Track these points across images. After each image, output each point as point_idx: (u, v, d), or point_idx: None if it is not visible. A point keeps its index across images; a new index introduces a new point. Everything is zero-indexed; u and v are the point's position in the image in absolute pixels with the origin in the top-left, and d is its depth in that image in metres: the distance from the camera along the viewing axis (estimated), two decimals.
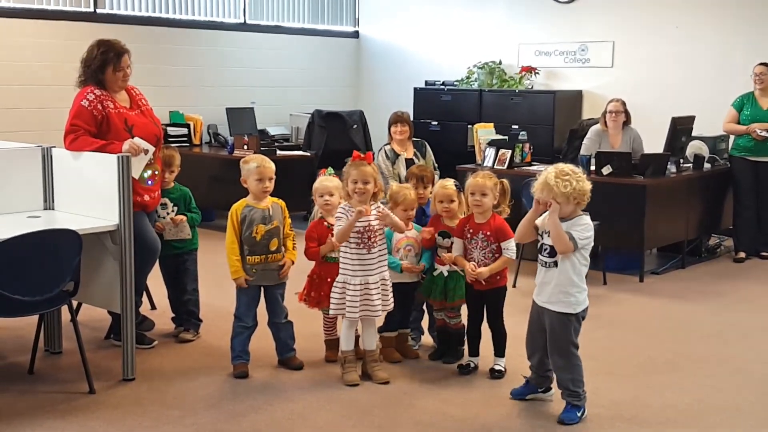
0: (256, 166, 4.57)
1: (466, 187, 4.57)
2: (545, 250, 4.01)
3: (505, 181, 4.61)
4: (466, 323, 4.76)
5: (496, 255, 4.48)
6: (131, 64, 4.86)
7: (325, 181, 4.75)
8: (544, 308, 4.03)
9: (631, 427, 4.00)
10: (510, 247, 4.47)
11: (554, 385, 4.22)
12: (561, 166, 3.98)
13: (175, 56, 9.43)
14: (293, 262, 4.66)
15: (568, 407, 4.03)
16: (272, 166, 4.63)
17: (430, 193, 4.93)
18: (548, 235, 3.97)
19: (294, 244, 4.70)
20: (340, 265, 4.46)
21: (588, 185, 3.95)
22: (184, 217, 5.18)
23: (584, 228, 3.95)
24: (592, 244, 4.01)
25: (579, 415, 4.02)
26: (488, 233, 4.47)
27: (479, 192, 4.48)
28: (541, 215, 4.02)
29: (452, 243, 4.63)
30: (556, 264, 3.97)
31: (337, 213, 4.44)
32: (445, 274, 4.68)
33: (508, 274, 4.71)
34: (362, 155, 4.46)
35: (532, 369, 4.20)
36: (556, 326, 4.00)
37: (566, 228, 3.91)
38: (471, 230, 4.52)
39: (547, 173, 3.93)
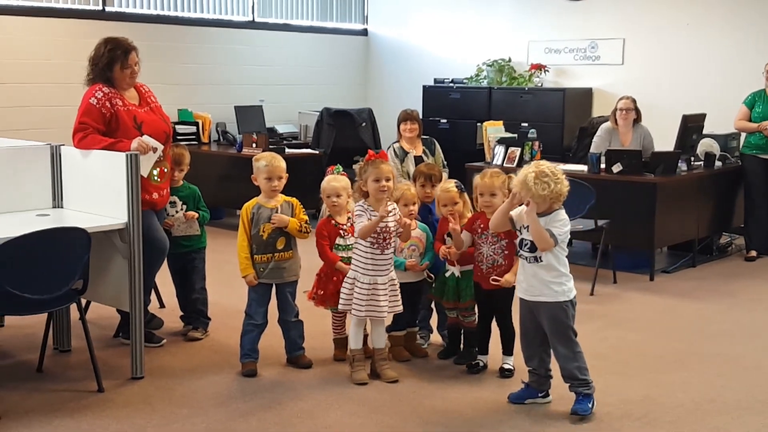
0: (265, 165, 4.57)
1: (474, 188, 4.55)
2: (525, 245, 4.04)
3: (513, 176, 4.58)
4: None
5: (506, 251, 4.45)
6: (139, 61, 4.86)
7: (333, 181, 4.73)
8: (538, 302, 4.03)
9: (641, 426, 3.98)
10: None
11: (552, 389, 4.20)
12: (542, 166, 3.97)
13: (184, 54, 9.44)
14: (289, 224, 4.56)
15: (580, 398, 4.02)
16: (282, 164, 4.63)
17: None
18: (527, 230, 4.00)
19: (306, 226, 4.63)
20: (352, 262, 4.45)
21: (566, 187, 3.98)
22: (196, 214, 5.18)
23: (562, 223, 3.99)
24: (569, 237, 4.06)
25: (590, 406, 4.01)
26: None
27: (488, 193, 4.47)
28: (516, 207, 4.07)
29: (452, 242, 4.61)
30: (536, 259, 4.00)
31: (356, 211, 4.43)
32: (457, 274, 4.66)
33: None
34: (376, 154, 4.45)
35: (533, 372, 4.18)
36: (555, 315, 4.01)
37: (545, 224, 3.94)
38: (482, 225, 4.50)
39: (527, 172, 3.94)
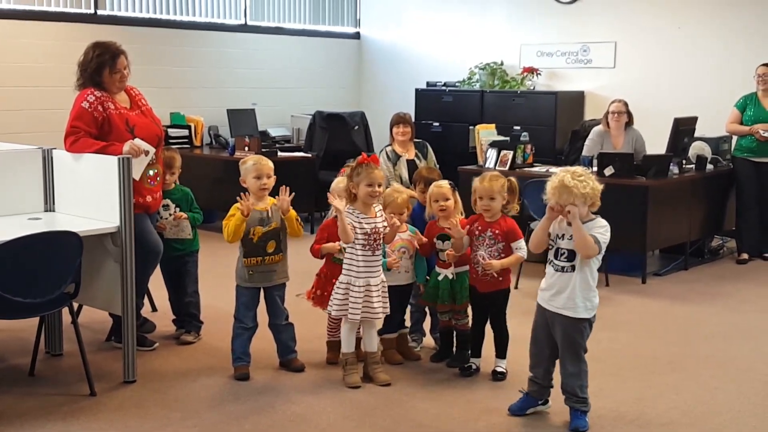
0: (252, 164, 4.58)
1: (473, 191, 4.54)
2: (563, 254, 3.91)
3: (512, 179, 4.58)
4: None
5: (502, 254, 4.45)
6: (129, 64, 4.84)
7: (341, 183, 4.72)
8: (559, 314, 3.93)
9: (635, 429, 3.99)
10: (521, 246, 4.45)
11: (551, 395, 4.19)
12: (571, 168, 3.93)
13: (176, 57, 9.43)
14: (289, 212, 4.55)
15: (578, 414, 3.98)
16: (269, 163, 4.62)
17: None
18: (561, 239, 3.91)
19: (299, 222, 4.63)
20: (344, 266, 4.44)
21: (600, 185, 3.93)
22: (185, 214, 5.16)
23: (605, 230, 3.91)
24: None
25: (587, 421, 3.98)
26: (497, 232, 4.45)
27: (487, 197, 4.45)
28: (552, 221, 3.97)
29: (452, 245, 4.60)
30: (573, 268, 3.89)
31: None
32: (450, 276, 4.66)
33: (511, 275, 4.69)
34: (368, 157, 4.45)
35: (536, 380, 4.10)
36: (571, 332, 3.93)
37: (588, 231, 3.85)
38: (479, 228, 4.50)
39: (560, 177, 3.85)
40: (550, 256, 4.00)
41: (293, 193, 4.55)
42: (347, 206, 4.42)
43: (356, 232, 4.36)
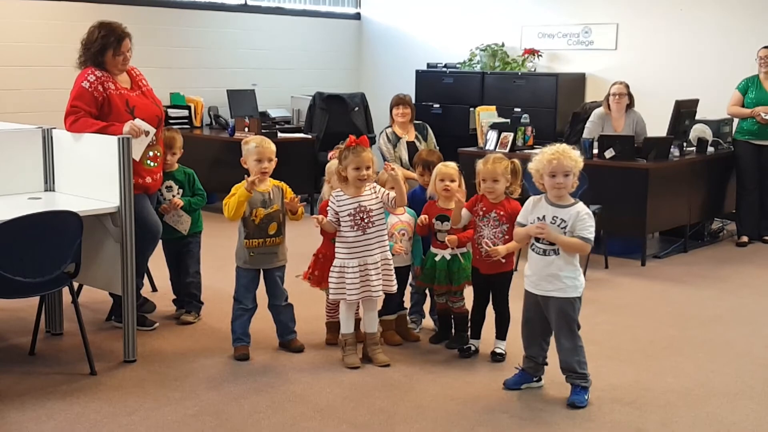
0: (254, 146, 4.57)
1: (476, 174, 4.53)
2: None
3: (516, 161, 4.58)
4: (469, 308, 4.75)
5: (507, 236, 4.44)
6: (132, 47, 4.83)
7: (335, 165, 4.71)
8: (550, 297, 3.98)
9: (632, 411, 4.00)
10: None
11: (544, 374, 4.22)
12: (557, 145, 4.01)
13: (176, 38, 9.40)
14: (298, 212, 4.62)
15: (578, 389, 4.02)
16: (272, 146, 4.61)
17: None
18: (544, 222, 3.94)
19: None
20: (336, 250, 4.44)
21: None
22: (181, 203, 5.13)
23: (589, 221, 3.94)
24: None
25: (586, 398, 4.02)
26: (501, 213, 4.45)
27: (491, 179, 4.45)
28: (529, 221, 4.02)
29: (450, 227, 4.61)
30: (555, 251, 3.94)
31: (329, 204, 4.43)
32: (447, 257, 4.66)
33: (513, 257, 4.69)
34: (357, 139, 4.43)
35: (530, 359, 4.17)
36: (564, 311, 3.97)
37: (573, 228, 3.89)
38: (484, 208, 4.49)
39: (555, 148, 3.93)
40: (532, 239, 4.03)
41: (302, 204, 4.62)
42: (336, 191, 4.42)
43: (339, 215, 4.37)
